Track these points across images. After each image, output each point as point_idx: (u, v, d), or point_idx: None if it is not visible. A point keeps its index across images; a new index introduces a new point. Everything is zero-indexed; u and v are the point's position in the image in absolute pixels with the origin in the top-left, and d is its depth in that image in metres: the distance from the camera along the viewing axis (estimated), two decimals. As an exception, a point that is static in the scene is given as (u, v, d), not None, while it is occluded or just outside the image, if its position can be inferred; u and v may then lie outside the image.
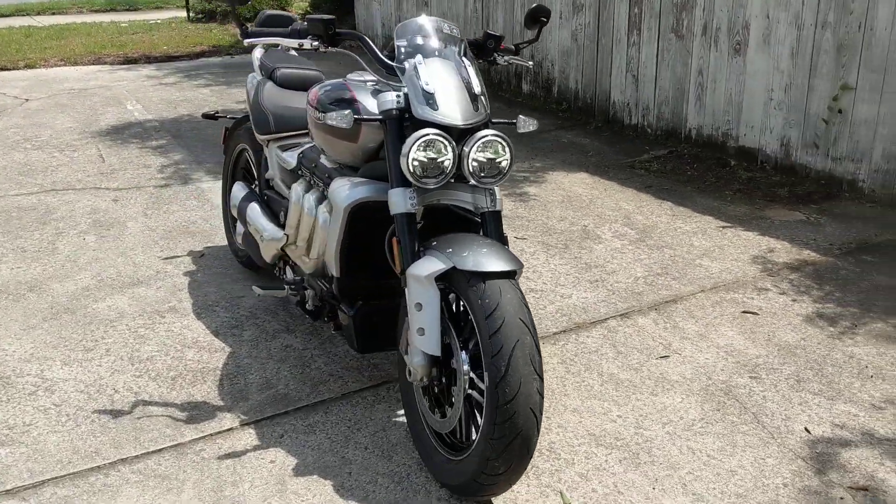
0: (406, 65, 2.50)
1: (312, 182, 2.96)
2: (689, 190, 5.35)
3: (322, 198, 2.84)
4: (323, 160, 2.93)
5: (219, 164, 5.20)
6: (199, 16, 13.83)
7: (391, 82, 2.55)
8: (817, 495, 2.46)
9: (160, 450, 2.67)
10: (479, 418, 2.29)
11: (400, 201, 2.45)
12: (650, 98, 6.42)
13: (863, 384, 3.05)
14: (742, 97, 5.73)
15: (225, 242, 4.23)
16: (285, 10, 13.12)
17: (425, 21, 2.60)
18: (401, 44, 2.55)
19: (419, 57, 2.53)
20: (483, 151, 2.44)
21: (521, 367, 2.14)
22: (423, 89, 2.45)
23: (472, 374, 2.30)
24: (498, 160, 2.47)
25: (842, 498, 2.45)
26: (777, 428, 2.78)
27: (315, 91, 2.84)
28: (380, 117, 2.51)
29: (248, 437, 2.72)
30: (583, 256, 4.24)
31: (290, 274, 3.22)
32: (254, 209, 3.40)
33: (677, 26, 6.09)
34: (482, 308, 2.19)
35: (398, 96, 2.47)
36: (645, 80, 6.44)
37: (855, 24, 4.95)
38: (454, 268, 2.27)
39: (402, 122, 2.48)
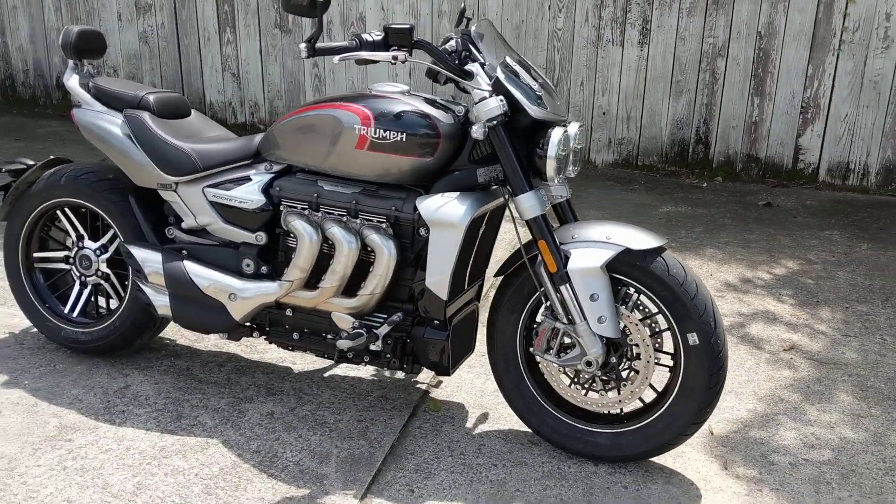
0: (498, 69, 2.46)
1: (322, 214, 2.60)
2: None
3: (348, 228, 2.54)
4: (333, 187, 2.60)
5: None
6: None
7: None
8: None
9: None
10: (624, 383, 2.49)
11: (536, 204, 2.43)
12: (258, 95, 6.39)
13: None
14: (365, 85, 6.17)
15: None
16: None
17: (487, 25, 2.56)
18: (473, 48, 2.48)
19: (507, 59, 2.50)
20: (579, 142, 2.58)
21: (720, 320, 2.44)
22: (531, 88, 2.46)
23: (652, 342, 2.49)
24: (580, 148, 2.63)
25: None
26: None
27: (363, 110, 2.48)
28: (491, 122, 2.42)
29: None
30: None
31: (285, 330, 2.74)
32: (197, 268, 2.73)
33: (282, 21, 6.18)
34: (674, 277, 2.40)
35: (501, 101, 2.42)
36: (249, 77, 6.38)
37: (469, 13, 5.80)
38: (627, 249, 2.41)
39: (508, 127, 2.45)
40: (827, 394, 3.07)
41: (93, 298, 3.10)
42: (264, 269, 2.72)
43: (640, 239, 2.43)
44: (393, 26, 2.47)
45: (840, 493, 2.50)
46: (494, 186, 2.57)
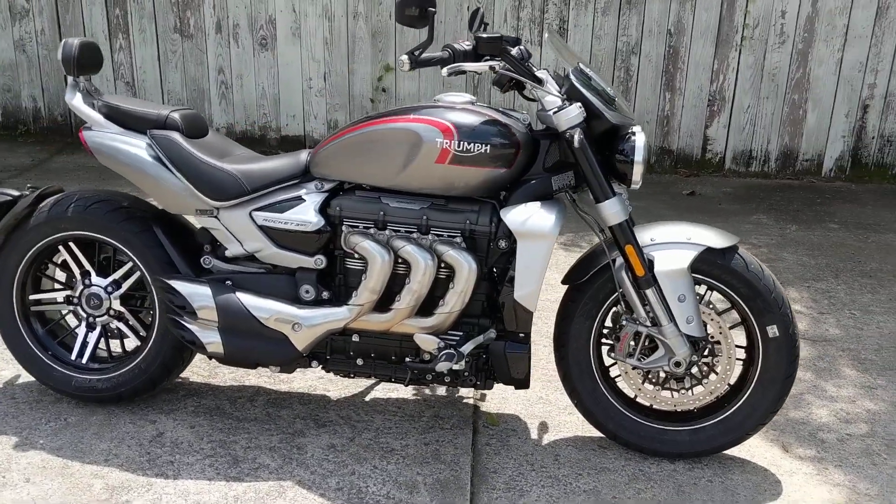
0: (571, 75, 2.44)
1: (389, 233, 2.47)
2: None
3: (420, 245, 2.44)
4: (400, 203, 2.48)
5: None
6: None
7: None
8: None
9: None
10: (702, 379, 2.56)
11: (621, 209, 2.43)
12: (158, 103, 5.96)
13: None
14: (277, 89, 5.91)
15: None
16: None
17: (552, 33, 2.54)
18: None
19: (579, 65, 2.49)
20: None
21: (793, 312, 2.55)
22: (606, 93, 2.46)
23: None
24: None
25: None
26: None
27: (444, 123, 2.37)
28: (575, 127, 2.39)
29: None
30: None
31: (340, 359, 2.59)
32: (253, 299, 2.50)
33: (182, 26, 5.80)
34: (753, 273, 2.48)
35: (579, 107, 2.40)
36: (146, 85, 5.93)
37: (386, 14, 5.70)
38: (708, 248, 2.47)
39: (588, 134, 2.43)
40: (833, 370, 3.29)
41: (102, 341, 2.78)
42: (325, 294, 2.55)
43: (717, 238, 2.49)
44: (483, 36, 2.40)
45: (893, 461, 2.68)
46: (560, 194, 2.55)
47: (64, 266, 2.78)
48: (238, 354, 2.57)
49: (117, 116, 2.61)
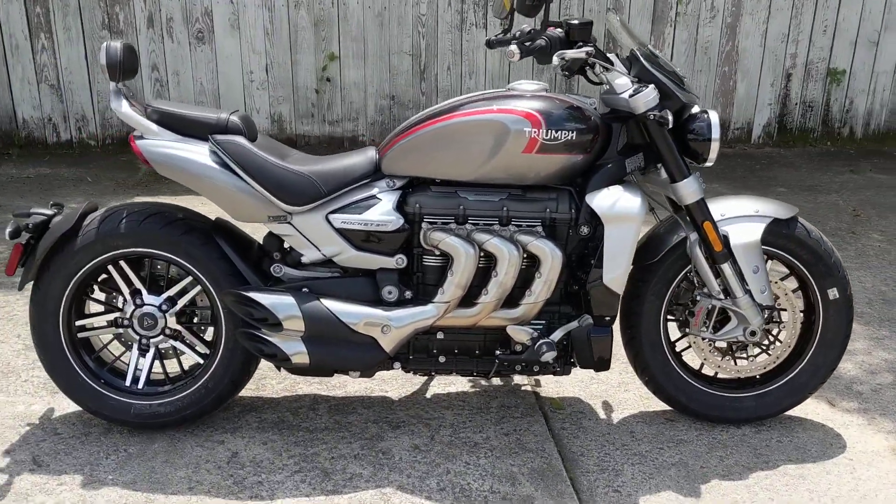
0: (641, 58, 2.47)
1: (469, 226, 2.44)
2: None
3: (503, 237, 2.44)
4: (479, 196, 2.46)
5: None
6: None
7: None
8: None
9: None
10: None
11: (697, 188, 2.48)
12: (86, 107, 5.59)
13: None
14: (217, 84, 5.67)
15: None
16: None
17: (613, 17, 2.57)
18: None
19: (649, 47, 2.52)
20: None
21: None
22: (678, 74, 2.51)
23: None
24: None
25: None
26: None
27: (530, 112, 2.34)
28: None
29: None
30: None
31: (432, 356, 2.56)
32: (339, 304, 2.40)
33: (110, 21, 5.45)
34: (815, 240, 2.60)
35: (654, 89, 2.44)
36: (73, 87, 5.55)
37: (328, 1, 5.56)
38: (775, 220, 2.58)
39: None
40: (840, 325, 3.50)
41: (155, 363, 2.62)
42: (408, 293, 2.50)
43: (781, 209, 2.60)
44: (574, 22, 2.39)
45: (929, 406, 2.90)
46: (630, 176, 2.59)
47: (105, 287, 2.60)
48: (323, 363, 2.49)
49: (171, 123, 2.45)
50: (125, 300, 2.56)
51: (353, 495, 2.38)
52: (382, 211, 2.45)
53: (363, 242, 2.47)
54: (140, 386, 2.59)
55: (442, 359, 2.57)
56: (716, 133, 2.46)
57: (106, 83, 5.55)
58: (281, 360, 2.47)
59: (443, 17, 5.69)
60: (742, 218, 2.57)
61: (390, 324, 2.44)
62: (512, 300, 2.49)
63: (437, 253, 2.48)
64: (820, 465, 2.57)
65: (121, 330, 2.59)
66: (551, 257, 2.44)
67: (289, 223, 2.46)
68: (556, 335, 2.49)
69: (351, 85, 5.78)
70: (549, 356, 2.44)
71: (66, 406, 2.76)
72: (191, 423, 2.65)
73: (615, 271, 2.45)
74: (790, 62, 6.08)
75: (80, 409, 2.70)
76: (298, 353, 2.45)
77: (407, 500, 2.37)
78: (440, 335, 2.54)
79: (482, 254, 2.45)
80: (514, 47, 2.35)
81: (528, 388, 2.97)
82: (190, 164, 2.42)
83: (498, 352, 2.53)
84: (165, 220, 2.48)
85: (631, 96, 2.42)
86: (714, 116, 2.47)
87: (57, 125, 5.66)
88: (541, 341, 2.45)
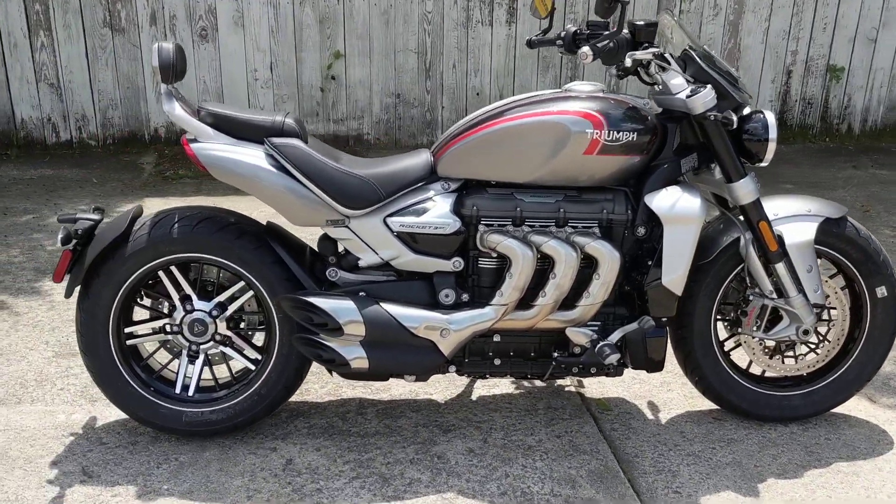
0: (697, 58, 2.47)
1: (526, 228, 2.43)
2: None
3: (560, 238, 2.42)
4: (535, 198, 2.44)
5: None
6: None
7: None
8: None
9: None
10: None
11: (754, 188, 2.48)
12: (87, 106, 5.49)
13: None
14: (221, 83, 5.58)
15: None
16: None
17: (669, 14, 2.56)
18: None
19: (705, 47, 2.52)
20: None
21: None
22: (733, 74, 2.51)
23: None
24: None
25: None
26: None
27: (591, 114, 2.33)
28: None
29: None
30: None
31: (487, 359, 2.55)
32: (399, 308, 2.39)
33: (112, 19, 5.34)
34: (864, 239, 2.61)
35: (711, 89, 2.43)
36: (73, 86, 5.44)
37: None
38: (827, 219, 2.59)
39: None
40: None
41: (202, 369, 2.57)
42: (465, 296, 2.48)
43: (831, 208, 2.62)
44: (640, 23, 2.38)
45: (966, 400, 2.93)
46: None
47: (152, 292, 2.54)
48: (382, 367, 2.46)
49: (225, 126, 2.40)
50: (174, 306, 2.51)
51: (415, 501, 2.36)
52: (440, 214, 2.43)
53: (421, 246, 2.44)
54: (190, 393, 2.55)
55: (497, 361, 2.56)
56: (773, 133, 2.46)
57: (107, 82, 5.47)
58: (339, 366, 2.44)
59: (448, 14, 5.65)
60: (795, 217, 2.58)
61: (450, 327, 2.42)
62: (568, 302, 2.48)
63: (494, 255, 2.46)
64: (871, 461, 2.59)
65: (169, 336, 2.54)
66: (609, 259, 2.43)
67: (346, 227, 2.43)
68: (614, 337, 2.48)
69: (356, 83, 5.73)
70: (612, 358, 2.43)
71: (107, 414, 2.71)
72: (242, 431, 2.61)
73: (675, 272, 2.45)
74: (791, 59, 6.13)
75: (123, 417, 2.65)
76: (358, 357, 2.42)
77: (470, 505, 2.35)
78: (496, 338, 2.52)
79: (539, 256, 2.44)
80: (587, 49, 2.33)
81: (572, 389, 2.96)
82: (247, 168, 2.37)
83: (556, 354, 2.52)
84: (218, 224, 2.43)
85: (689, 97, 2.41)
86: (770, 117, 2.47)
87: (56, 125, 5.54)
88: (601, 343, 2.44)
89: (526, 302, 2.46)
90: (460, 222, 2.43)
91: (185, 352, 2.55)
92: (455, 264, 2.47)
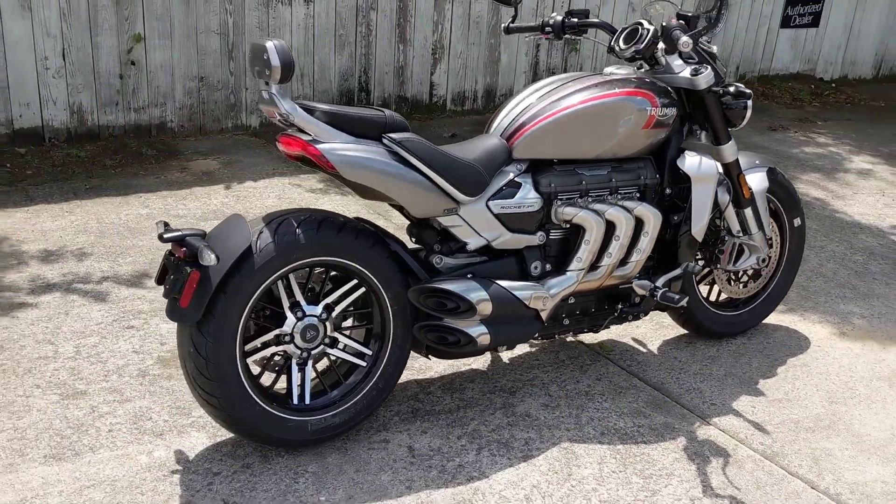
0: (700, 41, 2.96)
1: (587, 199, 2.77)
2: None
3: (616, 205, 2.82)
4: (592, 171, 2.78)
5: None
6: None
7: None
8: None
9: None
10: None
11: (737, 148, 3.07)
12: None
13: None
14: (5, 74, 4.85)
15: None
16: None
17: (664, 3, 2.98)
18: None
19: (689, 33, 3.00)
20: None
21: None
22: (713, 53, 3.03)
23: None
24: None
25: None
26: None
27: (647, 93, 2.72)
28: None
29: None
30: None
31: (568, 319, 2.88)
32: (511, 284, 2.63)
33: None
34: (787, 181, 3.35)
35: (711, 69, 2.93)
36: None
37: (128, -22, 5.05)
38: (770, 168, 3.27)
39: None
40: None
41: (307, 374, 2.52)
42: (548, 266, 2.75)
43: (766, 160, 3.32)
44: (686, 15, 2.75)
45: None
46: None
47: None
48: (500, 340, 2.67)
49: (342, 124, 2.38)
50: (285, 315, 2.42)
51: (543, 455, 2.62)
52: (527, 193, 2.68)
53: (515, 224, 2.67)
54: (307, 401, 2.49)
55: (566, 321, 2.87)
56: (749, 102, 3.06)
57: None
58: (464, 346, 2.58)
59: (249, -7, 5.51)
60: (752, 169, 3.23)
61: (549, 294, 2.69)
62: (622, 260, 2.88)
63: (565, 226, 2.77)
64: (810, 353, 3.37)
65: (282, 347, 2.45)
66: (654, 218, 2.87)
67: (457, 214, 2.56)
68: (661, 282, 2.93)
69: (157, 67, 5.34)
70: (683, 300, 2.87)
71: (189, 445, 2.54)
72: (353, 429, 2.61)
73: (700, 223, 2.97)
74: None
75: (207, 444, 2.54)
76: (482, 334, 2.60)
77: (589, 449, 2.68)
78: (571, 300, 2.83)
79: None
80: (687, 38, 2.71)
81: (572, 340, 3.35)
82: (378, 165, 2.40)
83: (619, 305, 2.91)
84: (337, 225, 2.42)
85: (693, 76, 2.91)
86: (743, 88, 3.07)
87: None
88: (664, 290, 2.87)
89: (594, 264, 2.81)
90: (542, 199, 2.69)
91: (294, 360, 2.48)
92: (539, 238, 2.73)
